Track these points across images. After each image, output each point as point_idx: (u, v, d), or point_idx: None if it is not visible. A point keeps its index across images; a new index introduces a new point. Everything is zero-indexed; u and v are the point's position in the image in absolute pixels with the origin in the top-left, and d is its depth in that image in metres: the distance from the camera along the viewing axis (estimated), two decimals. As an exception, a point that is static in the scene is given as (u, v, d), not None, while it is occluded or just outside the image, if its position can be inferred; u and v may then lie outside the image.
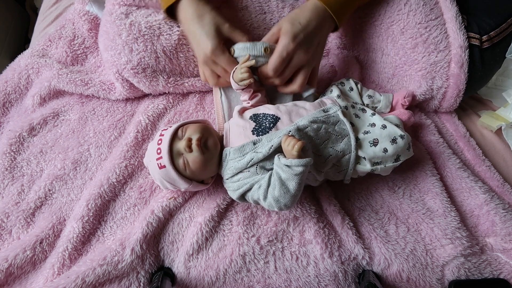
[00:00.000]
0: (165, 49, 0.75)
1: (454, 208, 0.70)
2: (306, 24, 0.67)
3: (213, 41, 0.66)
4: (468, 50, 0.74)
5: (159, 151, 0.63)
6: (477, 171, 0.78)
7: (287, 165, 0.56)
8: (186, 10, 0.68)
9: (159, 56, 0.76)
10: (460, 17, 0.74)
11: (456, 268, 0.65)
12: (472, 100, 0.92)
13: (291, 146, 0.56)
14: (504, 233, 0.68)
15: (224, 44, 0.69)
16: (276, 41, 0.68)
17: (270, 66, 0.66)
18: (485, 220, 0.70)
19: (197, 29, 0.67)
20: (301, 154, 0.56)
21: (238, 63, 0.69)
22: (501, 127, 0.82)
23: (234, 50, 0.69)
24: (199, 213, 0.70)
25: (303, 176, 0.57)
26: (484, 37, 0.75)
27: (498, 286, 0.64)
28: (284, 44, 0.65)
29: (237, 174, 0.63)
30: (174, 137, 0.64)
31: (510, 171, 0.79)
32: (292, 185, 0.57)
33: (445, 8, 0.74)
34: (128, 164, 0.74)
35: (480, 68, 0.78)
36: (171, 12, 0.72)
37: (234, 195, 0.64)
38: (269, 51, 0.68)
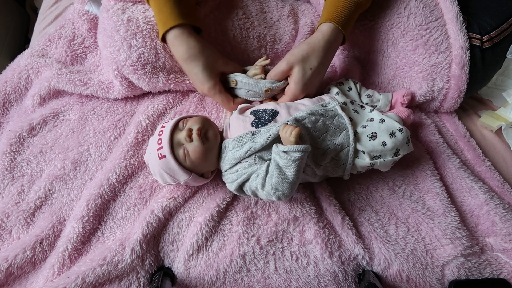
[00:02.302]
0: (165, 45, 0.75)
1: (454, 208, 0.70)
2: (317, 67, 0.70)
3: (209, 82, 0.70)
4: (469, 50, 0.74)
5: (159, 141, 0.63)
6: (477, 171, 0.78)
7: (285, 151, 0.57)
8: (177, 48, 0.69)
9: (159, 52, 0.75)
10: (461, 17, 0.74)
11: (456, 268, 0.65)
12: (472, 100, 0.92)
13: (289, 132, 0.57)
14: (504, 233, 0.68)
15: (220, 79, 0.73)
16: (283, 78, 0.72)
17: (280, 100, 0.72)
18: (485, 220, 0.70)
19: (192, 69, 0.70)
20: (299, 141, 0.57)
21: (233, 100, 0.74)
22: (501, 127, 0.82)
23: (236, 81, 0.73)
24: (199, 213, 0.70)
25: (301, 163, 0.57)
26: (485, 37, 0.75)
27: (498, 286, 0.64)
28: (294, 93, 0.71)
29: (235, 165, 0.63)
30: (175, 128, 0.64)
31: (510, 171, 0.79)
32: (290, 171, 0.57)
33: (446, 9, 0.74)
34: (128, 164, 0.74)
35: (481, 68, 0.77)
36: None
37: (232, 186, 0.64)
38: (269, 91, 0.72)
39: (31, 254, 0.66)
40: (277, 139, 0.60)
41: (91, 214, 0.69)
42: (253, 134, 0.63)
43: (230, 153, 0.63)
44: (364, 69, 0.89)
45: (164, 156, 0.62)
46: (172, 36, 0.69)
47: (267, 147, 0.61)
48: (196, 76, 0.70)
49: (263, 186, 0.59)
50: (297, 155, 0.56)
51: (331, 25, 0.70)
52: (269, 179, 0.59)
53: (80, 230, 0.67)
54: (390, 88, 0.85)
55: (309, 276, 0.65)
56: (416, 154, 0.74)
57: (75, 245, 0.66)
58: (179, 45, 0.69)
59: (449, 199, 0.71)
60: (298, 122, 0.62)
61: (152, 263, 0.66)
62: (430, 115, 0.85)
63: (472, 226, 0.71)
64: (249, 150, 0.61)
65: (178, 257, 0.67)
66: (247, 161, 0.62)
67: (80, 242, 0.67)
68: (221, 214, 0.70)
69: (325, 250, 0.66)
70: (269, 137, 0.60)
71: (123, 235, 0.68)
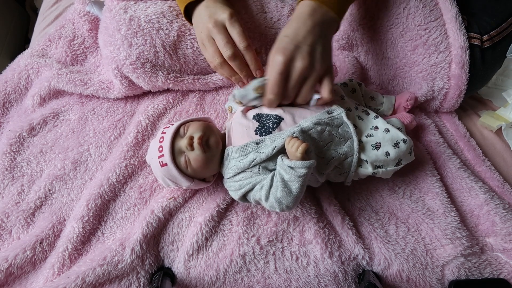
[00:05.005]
0: (164, 43, 0.75)
1: (454, 208, 0.70)
2: (294, 34, 0.60)
3: (229, 9, 0.64)
4: (468, 50, 0.74)
5: (160, 149, 0.63)
6: (477, 171, 0.77)
7: (291, 167, 0.56)
8: (200, 12, 0.66)
9: (158, 50, 0.75)
10: (460, 17, 0.74)
11: (456, 268, 0.65)
12: (472, 100, 0.92)
13: (295, 148, 0.56)
14: (504, 233, 0.68)
15: None
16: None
17: (268, 89, 0.61)
18: (485, 220, 0.70)
19: (212, 8, 0.65)
20: (305, 156, 0.56)
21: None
22: (501, 127, 0.82)
23: (232, 108, 0.70)
24: (199, 213, 0.70)
25: (306, 178, 0.57)
26: (485, 37, 0.75)
27: (498, 286, 0.64)
28: (274, 62, 0.59)
29: (238, 173, 0.63)
30: (176, 135, 0.64)
31: (510, 171, 0.79)
32: (294, 186, 0.57)
33: (445, 9, 0.74)
34: (128, 164, 0.74)
35: (481, 67, 0.77)
36: (188, 16, 0.71)
37: (235, 195, 0.64)
38: (261, 89, 0.63)
39: (31, 254, 0.66)
40: (282, 150, 0.60)
41: (91, 214, 0.69)
42: (257, 143, 0.62)
43: (234, 161, 0.63)
44: (364, 69, 0.89)
45: (166, 164, 0.62)
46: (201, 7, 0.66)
47: (272, 157, 0.60)
48: (216, 10, 0.64)
49: (267, 198, 0.59)
50: (303, 171, 0.55)
51: (316, 3, 0.61)
52: (274, 192, 0.58)
53: (80, 230, 0.67)
54: (391, 88, 0.85)
55: (309, 276, 0.65)
56: (416, 154, 0.74)
57: (75, 245, 0.66)
58: (205, 8, 0.65)
59: (449, 199, 0.71)
60: (304, 133, 0.61)
61: (152, 263, 0.66)
62: (430, 115, 0.85)
63: (472, 226, 0.71)
64: (253, 160, 0.60)
65: (178, 257, 0.67)
66: (251, 171, 0.62)
67: (80, 242, 0.67)
68: (221, 214, 0.70)
69: (325, 250, 0.66)
70: (274, 148, 0.59)
71: (123, 235, 0.68)
